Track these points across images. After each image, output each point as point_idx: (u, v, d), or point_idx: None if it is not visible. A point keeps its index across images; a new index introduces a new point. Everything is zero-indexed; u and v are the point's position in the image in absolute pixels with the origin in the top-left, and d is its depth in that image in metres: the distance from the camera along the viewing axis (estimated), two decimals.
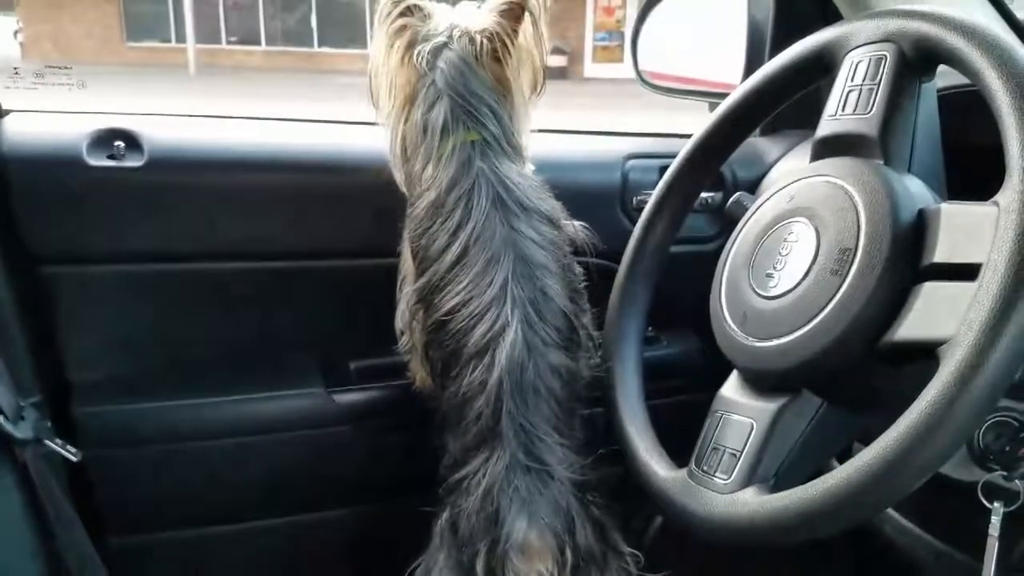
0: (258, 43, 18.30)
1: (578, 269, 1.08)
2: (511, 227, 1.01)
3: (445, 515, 0.99)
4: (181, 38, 16.72)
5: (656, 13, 1.36)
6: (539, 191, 1.07)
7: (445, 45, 1.05)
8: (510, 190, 1.03)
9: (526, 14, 1.06)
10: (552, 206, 1.07)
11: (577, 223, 1.11)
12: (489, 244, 1.00)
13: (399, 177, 1.11)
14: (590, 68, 16.65)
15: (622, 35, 16.00)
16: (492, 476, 0.95)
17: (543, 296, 1.00)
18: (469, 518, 0.95)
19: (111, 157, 1.10)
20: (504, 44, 1.06)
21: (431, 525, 1.00)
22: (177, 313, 1.20)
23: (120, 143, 1.10)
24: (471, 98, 1.05)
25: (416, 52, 1.05)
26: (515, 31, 1.07)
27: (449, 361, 1.02)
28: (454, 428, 1.01)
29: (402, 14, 1.07)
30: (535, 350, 0.98)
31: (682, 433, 0.85)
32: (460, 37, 1.05)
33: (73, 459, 1.01)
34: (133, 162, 1.11)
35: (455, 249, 1.01)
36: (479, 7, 1.09)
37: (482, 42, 1.05)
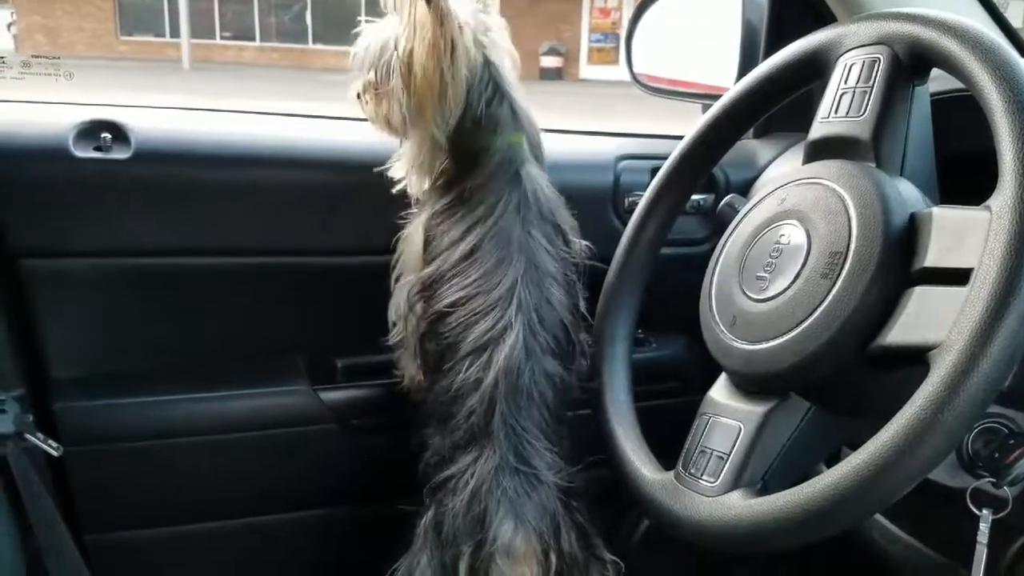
0: (252, 39, 18.28)
1: (580, 289, 1.08)
2: (527, 232, 1.02)
3: (429, 514, 0.98)
4: (175, 32, 16.68)
5: (650, 15, 1.36)
6: (560, 203, 1.08)
7: (486, 27, 1.04)
8: (538, 199, 1.04)
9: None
10: (567, 221, 1.08)
11: (583, 242, 1.11)
12: (504, 244, 1.01)
13: (405, 169, 1.10)
14: (585, 69, 16.68)
15: (618, 37, 16.04)
16: (480, 476, 0.95)
17: (547, 304, 1.01)
18: (454, 518, 0.95)
19: (98, 149, 1.09)
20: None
21: (414, 524, 1.00)
22: (162, 308, 1.19)
23: (107, 135, 1.09)
24: (517, 90, 1.06)
25: (467, 38, 1.00)
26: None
27: (444, 354, 1.01)
28: (442, 424, 1.01)
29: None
30: (533, 355, 0.99)
31: (670, 435, 0.84)
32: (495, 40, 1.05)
33: (54, 454, 1.00)
34: (120, 154, 1.10)
35: (469, 241, 1.01)
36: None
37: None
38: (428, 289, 1.04)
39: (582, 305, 1.07)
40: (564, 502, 0.97)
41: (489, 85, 1.04)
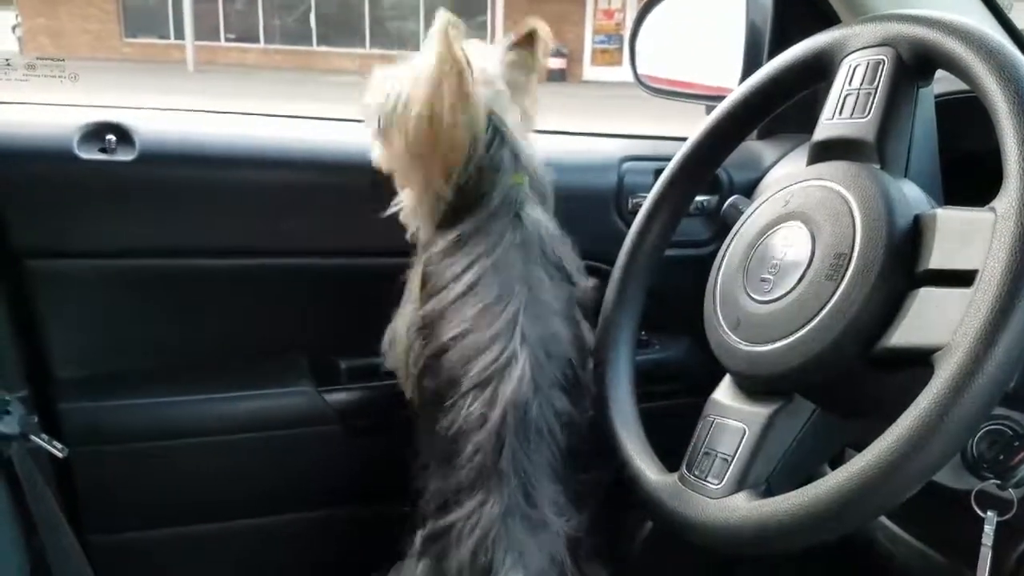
0: (257, 41, 18.30)
1: (584, 328, 1.06)
2: (529, 268, 1.00)
3: (425, 564, 0.95)
4: (179, 35, 16.71)
5: (654, 16, 1.36)
6: (564, 244, 1.06)
7: (491, 81, 1.04)
8: (541, 238, 1.03)
9: (534, 50, 1.08)
10: (572, 262, 1.06)
11: (589, 282, 1.09)
12: (504, 277, 0.98)
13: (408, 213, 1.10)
14: (589, 71, 16.68)
15: (621, 38, 16.02)
16: (488, 522, 0.90)
17: (553, 338, 0.98)
18: (460, 571, 0.91)
19: (102, 151, 1.09)
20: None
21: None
22: (166, 309, 1.19)
23: (111, 136, 1.09)
24: (520, 139, 1.05)
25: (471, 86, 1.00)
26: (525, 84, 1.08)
27: (444, 391, 0.97)
28: (444, 464, 0.96)
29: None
30: (541, 390, 0.95)
31: (674, 437, 0.84)
32: (501, 91, 1.05)
33: (59, 455, 1.00)
34: (124, 156, 1.10)
35: (468, 278, 0.99)
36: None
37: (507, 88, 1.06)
38: (427, 327, 1.02)
39: (586, 342, 1.04)
40: (572, 550, 0.93)
41: (490, 129, 1.03)
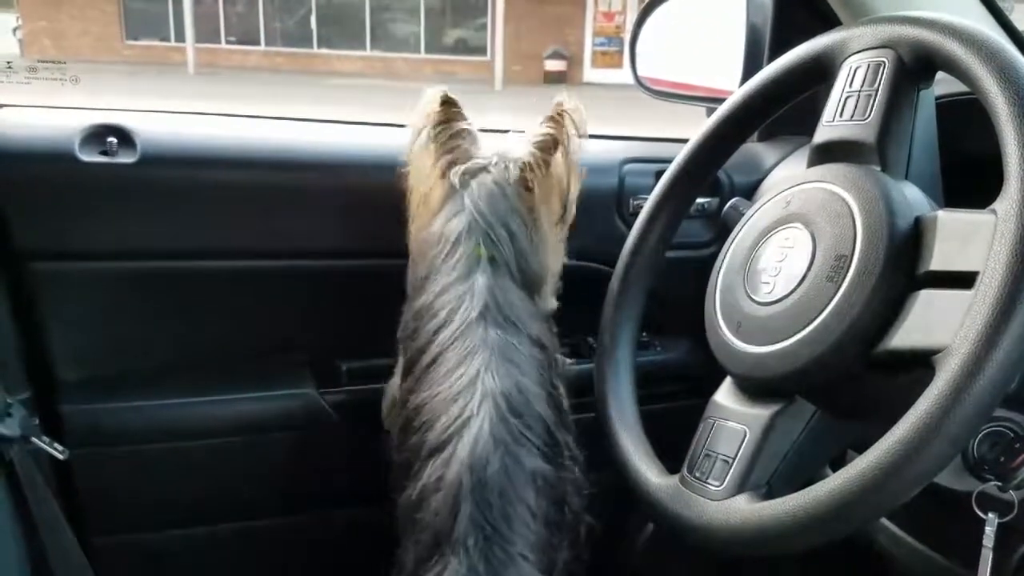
0: (257, 43, 18.30)
1: (563, 393, 1.05)
2: (496, 333, 0.98)
3: None
4: (180, 37, 16.71)
5: (654, 18, 1.36)
6: (538, 320, 1.05)
7: (483, 168, 1.06)
8: (501, 306, 1.00)
9: (559, 145, 1.08)
10: (547, 337, 1.05)
11: (564, 359, 1.10)
12: (467, 341, 0.97)
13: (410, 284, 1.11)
14: (589, 73, 16.68)
15: (621, 41, 16.02)
16: None
17: (518, 392, 0.93)
18: None
19: (104, 153, 1.09)
20: (534, 172, 1.06)
21: None
22: (167, 311, 1.19)
23: (113, 139, 1.10)
24: (491, 217, 1.04)
25: (455, 170, 1.06)
26: (547, 162, 1.07)
27: (412, 460, 0.94)
28: (408, 536, 0.92)
29: (454, 136, 1.08)
30: (503, 445, 0.89)
31: (675, 439, 0.84)
32: (498, 163, 1.06)
33: (60, 457, 1.00)
34: (126, 158, 1.10)
35: (433, 350, 0.98)
36: (524, 136, 1.10)
37: (516, 170, 1.06)
38: (403, 400, 1.03)
39: (565, 404, 1.03)
40: None
41: (455, 202, 1.05)
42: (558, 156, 1.08)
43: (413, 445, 0.95)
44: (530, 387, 0.96)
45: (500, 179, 1.06)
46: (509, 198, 1.06)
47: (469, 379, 0.93)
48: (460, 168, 1.06)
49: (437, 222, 1.06)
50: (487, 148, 1.09)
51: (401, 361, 1.07)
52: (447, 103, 1.08)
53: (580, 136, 1.08)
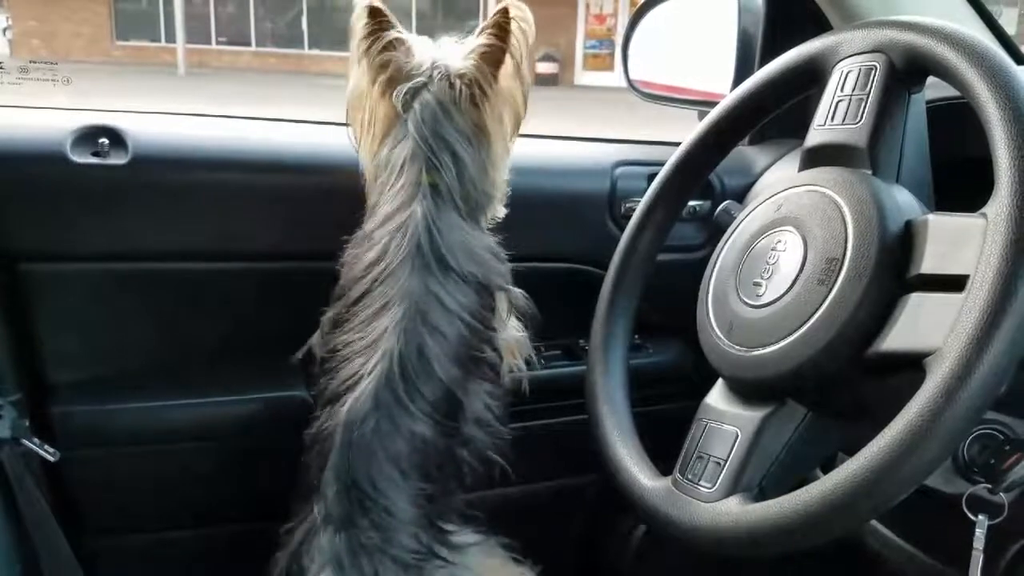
0: (248, 44, 18.27)
1: (497, 341, 1.06)
2: (420, 281, 0.98)
3: (274, 567, 0.97)
4: (171, 37, 16.67)
5: (647, 21, 1.36)
6: (473, 251, 1.03)
7: (424, 86, 1.03)
8: (434, 242, 0.99)
9: (507, 57, 1.04)
10: (484, 269, 1.03)
11: (517, 290, 1.09)
12: (390, 289, 0.97)
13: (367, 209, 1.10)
14: (581, 76, 16.70)
15: (613, 43, 16.06)
16: (305, 530, 0.93)
17: (419, 357, 0.95)
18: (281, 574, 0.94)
19: (95, 154, 1.09)
20: (482, 89, 1.04)
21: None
22: (159, 312, 1.19)
23: (104, 140, 1.09)
24: (435, 142, 1.02)
25: (395, 91, 1.03)
26: (495, 75, 1.05)
27: (317, 401, 1.00)
28: (300, 472, 0.99)
29: (385, 48, 1.04)
30: (384, 408, 0.93)
31: (667, 441, 0.84)
32: (440, 80, 1.03)
33: (51, 459, 0.99)
34: (117, 160, 1.10)
35: (363, 285, 0.99)
36: (460, 43, 1.07)
37: (461, 87, 1.03)
38: (329, 332, 1.03)
39: (504, 366, 1.05)
40: (394, 568, 0.92)
41: (400, 128, 1.04)
42: (507, 68, 1.05)
43: (321, 386, 1.00)
44: (434, 349, 0.97)
45: (444, 97, 1.03)
46: (454, 119, 1.03)
47: (377, 335, 0.95)
48: (401, 89, 1.03)
49: (385, 149, 1.05)
50: (422, 56, 1.05)
51: (337, 286, 1.06)
52: (374, 13, 1.03)
53: (528, 44, 1.05)
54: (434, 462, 0.97)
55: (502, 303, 1.07)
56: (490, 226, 1.10)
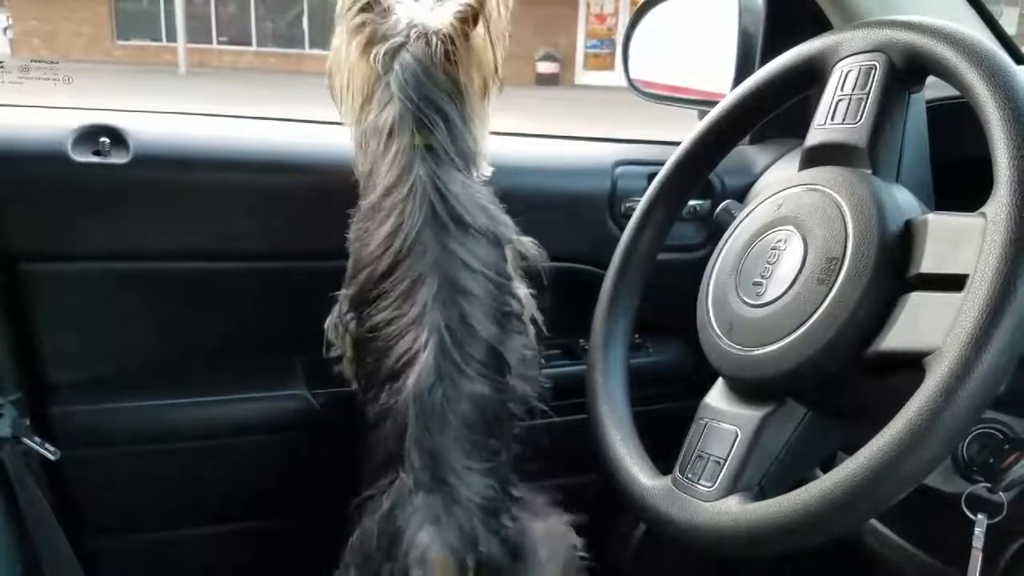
0: (249, 44, 18.27)
1: (517, 291, 1.07)
2: (443, 246, 1.00)
3: (357, 533, 1.00)
4: (171, 37, 16.68)
5: (647, 21, 1.36)
6: (481, 205, 1.05)
7: (402, 46, 1.04)
8: (447, 202, 1.01)
9: (480, 18, 1.05)
10: (494, 222, 1.05)
11: (526, 239, 1.10)
12: (419, 261, 0.99)
13: (359, 177, 1.10)
14: (581, 75, 16.70)
15: (614, 43, 16.07)
16: (395, 496, 0.96)
17: (462, 323, 0.99)
18: (374, 537, 0.96)
19: (96, 153, 1.09)
20: (456, 47, 1.04)
21: (347, 541, 1.01)
22: (160, 312, 1.19)
23: (106, 139, 1.09)
24: (421, 102, 1.03)
25: (374, 53, 1.04)
26: (467, 34, 1.05)
27: (371, 380, 1.02)
28: (368, 447, 1.02)
29: (362, 9, 1.06)
30: (447, 377, 0.97)
31: (666, 440, 0.84)
32: (417, 38, 1.04)
33: (51, 458, 1.00)
34: (118, 159, 1.10)
35: (387, 260, 1.00)
36: (437, 3, 1.08)
37: (438, 44, 1.04)
38: (356, 309, 1.04)
39: (526, 315, 1.06)
40: (485, 520, 0.96)
41: (384, 91, 1.04)
42: (479, 28, 1.05)
43: (370, 368, 1.02)
44: (473, 313, 1.00)
45: (422, 55, 1.04)
46: (434, 77, 1.04)
47: (419, 311, 0.98)
48: (380, 49, 1.04)
49: (371, 114, 1.05)
50: (402, 18, 1.06)
51: (351, 264, 1.07)
52: None
53: (505, 8, 1.06)
54: (492, 417, 1.01)
55: (511, 254, 1.08)
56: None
